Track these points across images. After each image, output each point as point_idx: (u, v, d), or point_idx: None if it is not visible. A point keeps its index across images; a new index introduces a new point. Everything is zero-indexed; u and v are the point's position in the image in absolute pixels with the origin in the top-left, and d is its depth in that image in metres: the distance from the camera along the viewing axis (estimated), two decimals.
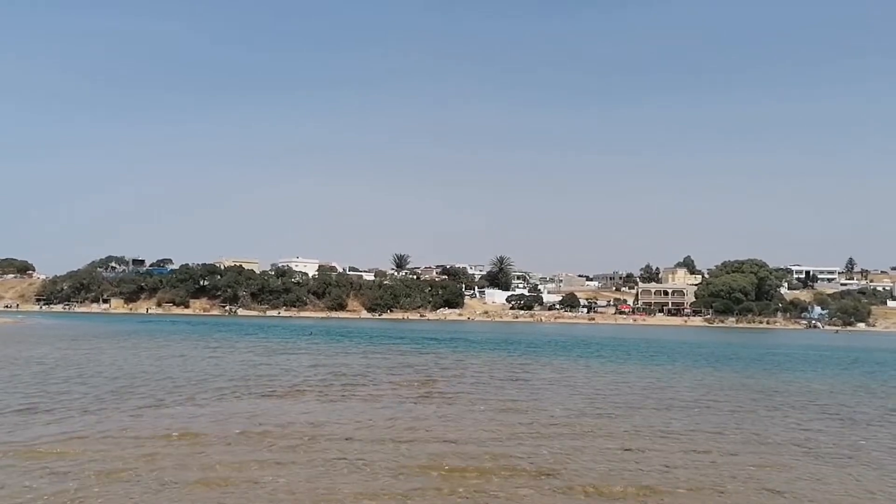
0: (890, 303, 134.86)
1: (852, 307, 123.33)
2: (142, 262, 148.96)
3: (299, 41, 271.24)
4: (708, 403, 17.78)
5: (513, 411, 15.52)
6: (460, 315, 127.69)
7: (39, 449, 10.56)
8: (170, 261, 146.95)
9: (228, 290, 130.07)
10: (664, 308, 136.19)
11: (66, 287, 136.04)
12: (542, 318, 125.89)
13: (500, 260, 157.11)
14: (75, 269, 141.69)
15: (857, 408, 17.90)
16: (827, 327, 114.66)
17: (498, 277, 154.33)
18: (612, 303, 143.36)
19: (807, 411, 16.94)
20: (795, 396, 19.95)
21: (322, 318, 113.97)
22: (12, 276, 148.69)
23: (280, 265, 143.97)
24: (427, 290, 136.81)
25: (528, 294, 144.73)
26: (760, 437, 13.03)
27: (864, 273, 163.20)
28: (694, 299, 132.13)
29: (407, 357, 32.20)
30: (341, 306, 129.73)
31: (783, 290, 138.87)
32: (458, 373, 24.86)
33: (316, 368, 25.32)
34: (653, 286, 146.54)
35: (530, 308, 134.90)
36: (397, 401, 16.92)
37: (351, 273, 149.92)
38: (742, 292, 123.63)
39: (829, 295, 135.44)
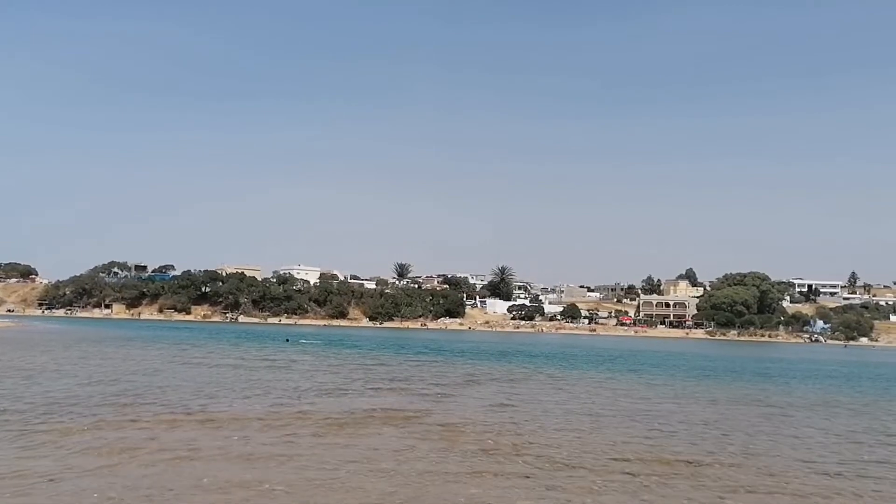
0: (893, 317, 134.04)
1: (855, 322, 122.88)
2: (144, 267, 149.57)
3: (303, 48, 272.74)
4: None
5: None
6: (461, 325, 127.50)
7: None
8: (172, 267, 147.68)
9: (230, 296, 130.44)
10: (665, 320, 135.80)
11: (68, 292, 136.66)
12: (544, 328, 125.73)
13: (502, 270, 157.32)
14: (78, 274, 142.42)
15: None
16: (830, 341, 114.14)
17: (499, 287, 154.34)
18: (613, 314, 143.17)
19: None
20: None
21: (323, 325, 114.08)
22: (15, 280, 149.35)
23: (281, 272, 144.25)
24: (428, 300, 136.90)
25: (529, 304, 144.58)
26: None
27: (867, 287, 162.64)
28: (695, 312, 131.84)
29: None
30: (342, 314, 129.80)
31: (785, 304, 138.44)
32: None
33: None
34: (654, 298, 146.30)
35: (531, 318, 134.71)
36: None
37: (352, 281, 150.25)
38: (744, 305, 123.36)
39: (831, 309, 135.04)
